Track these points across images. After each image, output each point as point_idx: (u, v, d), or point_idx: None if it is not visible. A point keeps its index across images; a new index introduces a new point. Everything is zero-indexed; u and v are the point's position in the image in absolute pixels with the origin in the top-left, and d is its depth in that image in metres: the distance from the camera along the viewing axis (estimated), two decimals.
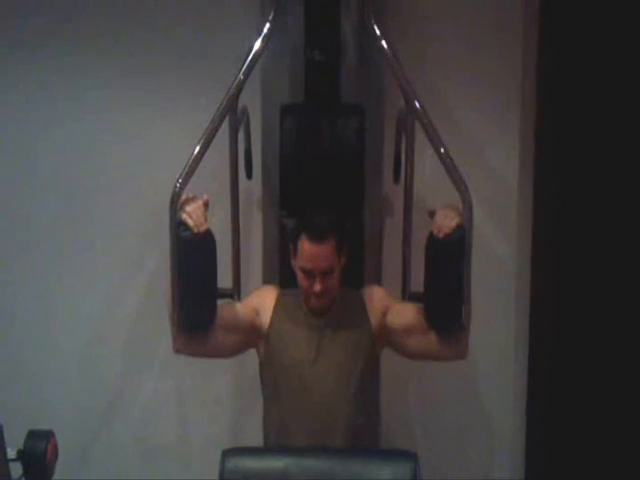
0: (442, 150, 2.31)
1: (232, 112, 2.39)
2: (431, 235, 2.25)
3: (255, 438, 2.50)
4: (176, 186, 2.22)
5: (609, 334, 2.94)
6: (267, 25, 2.41)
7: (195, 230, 2.20)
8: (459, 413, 3.04)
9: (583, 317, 2.96)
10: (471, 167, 2.87)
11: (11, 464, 2.07)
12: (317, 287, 2.25)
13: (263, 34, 2.40)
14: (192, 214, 2.21)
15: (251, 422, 2.83)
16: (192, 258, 2.24)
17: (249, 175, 2.64)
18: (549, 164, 2.89)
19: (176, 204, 2.22)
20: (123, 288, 3.00)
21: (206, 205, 2.28)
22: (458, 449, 3.05)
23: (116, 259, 2.98)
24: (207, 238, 2.24)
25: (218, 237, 2.29)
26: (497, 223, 2.94)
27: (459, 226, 2.22)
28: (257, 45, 2.39)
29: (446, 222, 2.22)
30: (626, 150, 2.87)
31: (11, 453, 2.07)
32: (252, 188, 2.77)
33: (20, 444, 2.09)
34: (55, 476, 2.16)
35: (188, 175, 2.25)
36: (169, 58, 2.85)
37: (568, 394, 2.99)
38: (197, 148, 2.29)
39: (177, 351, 2.36)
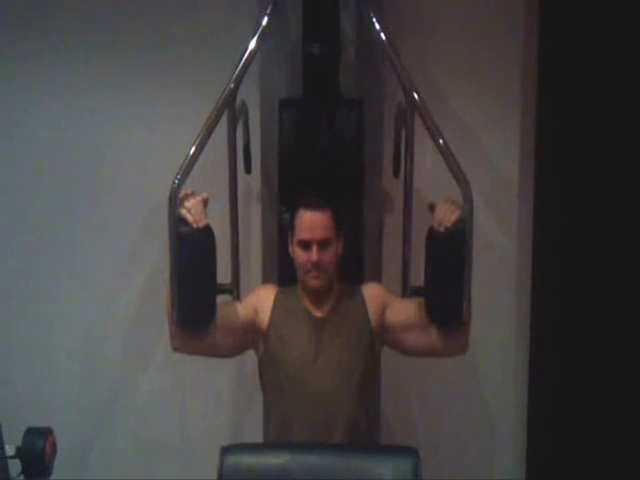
0: (441, 142, 2.29)
1: (230, 107, 2.37)
2: (432, 229, 2.24)
3: (255, 434, 2.50)
4: (174, 182, 2.21)
5: (611, 332, 2.92)
6: (265, 19, 2.38)
7: (194, 225, 2.21)
8: (460, 410, 3.03)
9: (585, 314, 2.94)
10: (471, 163, 2.87)
11: (10, 461, 2.06)
12: (314, 257, 2.24)
13: (261, 28, 2.38)
14: (191, 209, 2.22)
15: (251, 418, 2.83)
16: (191, 253, 2.24)
17: (248, 170, 2.64)
18: (550, 160, 2.88)
19: (175, 200, 2.21)
20: (122, 286, 2.98)
21: (205, 201, 2.28)
22: (459, 446, 3.04)
23: (114, 257, 2.97)
24: (206, 233, 2.24)
25: (217, 232, 2.28)
26: (498, 219, 2.93)
27: (460, 220, 2.22)
28: (255, 39, 2.36)
29: (447, 216, 2.21)
30: (626, 145, 2.85)
31: (9, 450, 2.06)
32: (251, 183, 2.76)
33: (18, 441, 2.08)
34: (55, 473, 2.16)
35: (186, 171, 2.24)
36: (167, 53, 2.84)
37: (569, 393, 2.97)
38: (195, 144, 2.27)
39: (176, 349, 2.36)
